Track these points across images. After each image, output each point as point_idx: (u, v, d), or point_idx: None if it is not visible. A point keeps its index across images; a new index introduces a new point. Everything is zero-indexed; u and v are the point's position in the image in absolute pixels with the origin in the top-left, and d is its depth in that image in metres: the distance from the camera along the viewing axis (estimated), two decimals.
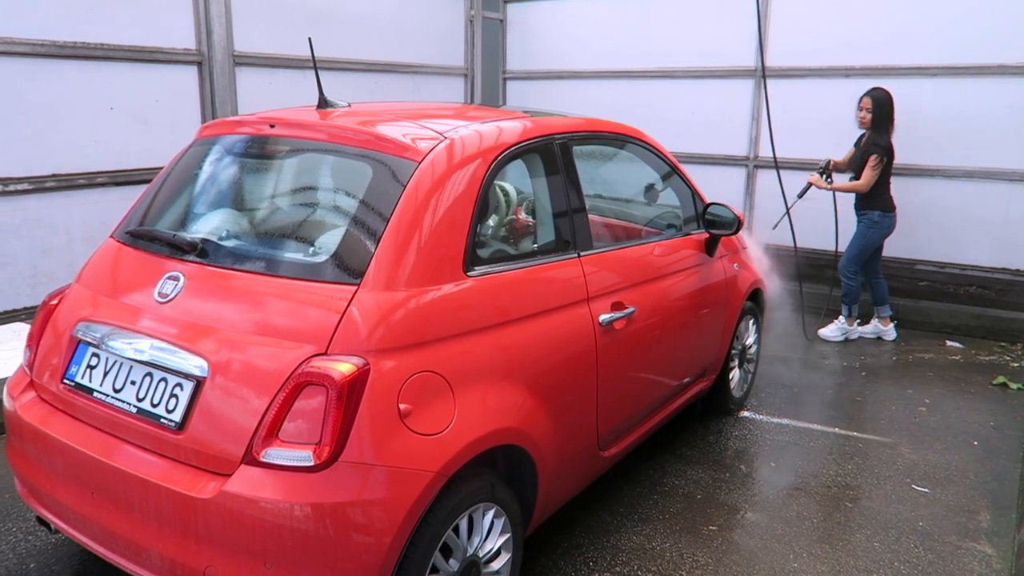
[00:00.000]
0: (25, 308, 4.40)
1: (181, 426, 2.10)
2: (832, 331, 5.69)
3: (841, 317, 5.68)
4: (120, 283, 2.51)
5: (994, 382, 4.90)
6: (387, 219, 2.22)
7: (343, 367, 1.99)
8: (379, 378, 2.03)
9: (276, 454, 1.97)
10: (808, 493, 3.53)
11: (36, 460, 2.43)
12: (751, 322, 4.39)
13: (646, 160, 3.58)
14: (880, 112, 5.25)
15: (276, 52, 5.52)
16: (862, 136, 5.45)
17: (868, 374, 5.03)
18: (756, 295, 4.37)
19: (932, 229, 6.04)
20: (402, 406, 2.06)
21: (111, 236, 2.78)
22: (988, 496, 3.51)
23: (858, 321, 5.72)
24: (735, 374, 4.29)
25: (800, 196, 5.54)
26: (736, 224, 3.60)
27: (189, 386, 2.12)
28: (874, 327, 5.73)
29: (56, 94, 4.38)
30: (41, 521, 2.71)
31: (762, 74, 6.35)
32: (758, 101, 6.62)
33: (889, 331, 5.72)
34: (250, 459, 1.99)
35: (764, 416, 4.37)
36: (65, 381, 2.39)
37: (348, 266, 2.17)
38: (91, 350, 2.38)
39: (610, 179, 3.63)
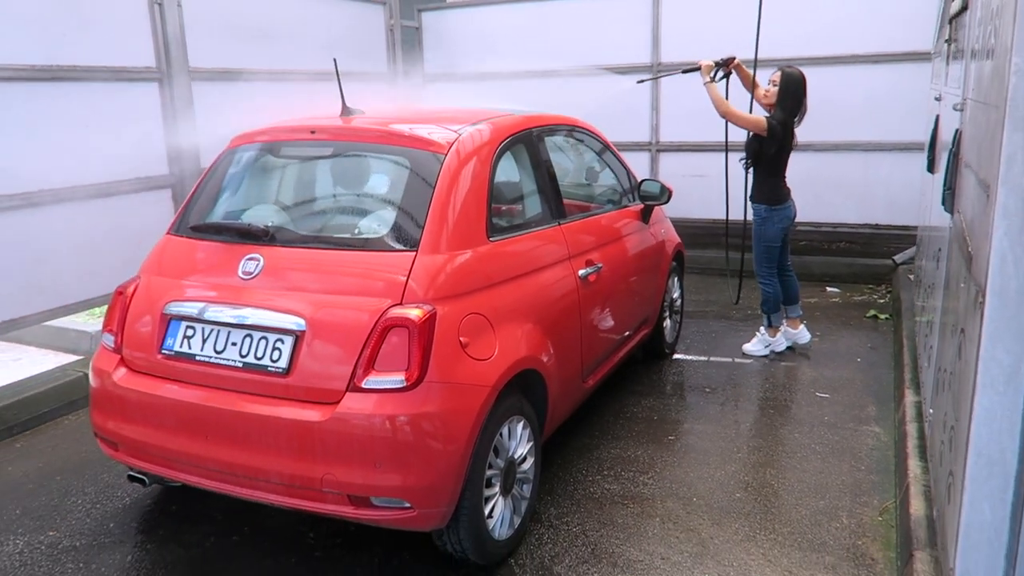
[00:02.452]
0: (23, 317, 4.67)
1: (287, 371, 2.66)
2: (755, 346, 5.18)
3: (762, 328, 5.21)
4: (199, 269, 3.02)
5: (867, 315, 6.00)
6: (429, 199, 2.85)
7: (417, 312, 2.62)
8: (443, 319, 2.67)
9: (375, 381, 2.57)
10: (738, 407, 4.40)
11: (141, 421, 2.91)
12: (676, 279, 5.24)
13: (591, 145, 4.34)
14: (788, 89, 4.70)
15: (227, 66, 5.92)
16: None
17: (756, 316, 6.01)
18: (679, 257, 5.22)
19: (808, 196, 7.06)
20: (462, 339, 2.71)
21: (168, 233, 3.27)
22: (872, 395, 4.49)
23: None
24: (667, 323, 5.13)
25: (684, 71, 5.30)
26: (667, 195, 4.41)
27: (289, 340, 2.69)
28: (783, 334, 5.19)
29: (36, 114, 4.66)
30: (134, 478, 3.19)
31: (657, 69, 7.27)
32: (655, 93, 7.55)
33: (801, 333, 5.19)
34: (354, 387, 2.58)
35: (692, 356, 5.24)
36: (163, 351, 2.89)
37: (405, 238, 2.80)
38: (184, 324, 2.89)
39: (565, 162, 4.35)
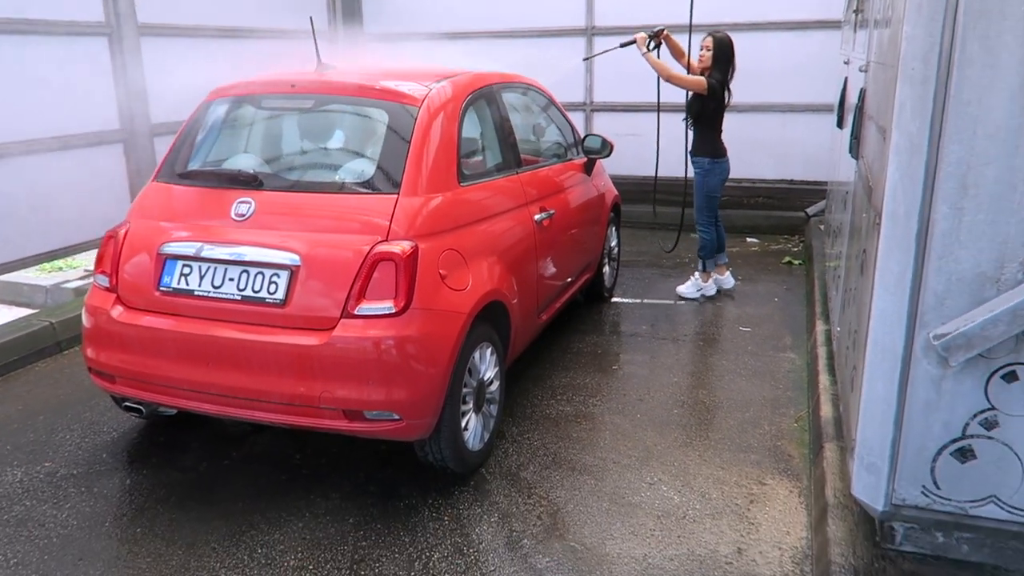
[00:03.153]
0: None
1: (284, 302, 2.95)
2: (688, 289, 5.64)
3: (696, 273, 5.66)
4: (190, 212, 3.25)
5: (783, 262, 6.61)
6: (407, 148, 3.16)
7: (403, 246, 2.94)
8: (424, 253, 3.00)
9: (367, 308, 2.89)
10: (672, 340, 4.89)
11: (140, 353, 3.14)
12: (614, 229, 5.67)
13: (540, 103, 4.68)
14: (720, 53, 5.18)
15: (175, 23, 5.97)
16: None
17: (688, 265, 6.54)
18: (617, 208, 5.66)
19: (730, 154, 7.65)
20: (441, 271, 3.06)
21: (153, 180, 3.47)
22: (788, 328, 5.05)
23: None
24: (606, 269, 5.57)
25: (622, 46, 5.62)
26: (608, 149, 4.81)
27: (285, 274, 2.97)
28: (713, 280, 5.67)
29: None
30: (130, 408, 3.43)
31: (591, 33, 7.64)
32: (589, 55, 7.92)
33: (726, 279, 5.73)
34: (347, 314, 2.90)
35: (629, 299, 5.71)
36: (161, 289, 3.12)
37: (387, 182, 3.10)
38: (181, 263, 3.12)
39: (518, 117, 4.67)
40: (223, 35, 6.47)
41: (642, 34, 5.38)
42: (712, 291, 5.68)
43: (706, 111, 5.23)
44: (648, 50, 5.33)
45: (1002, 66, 1.94)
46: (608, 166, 5.56)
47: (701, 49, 5.30)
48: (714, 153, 5.34)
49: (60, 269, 6.12)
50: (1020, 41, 1.92)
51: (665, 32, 5.41)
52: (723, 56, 5.19)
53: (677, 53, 5.52)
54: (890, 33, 2.39)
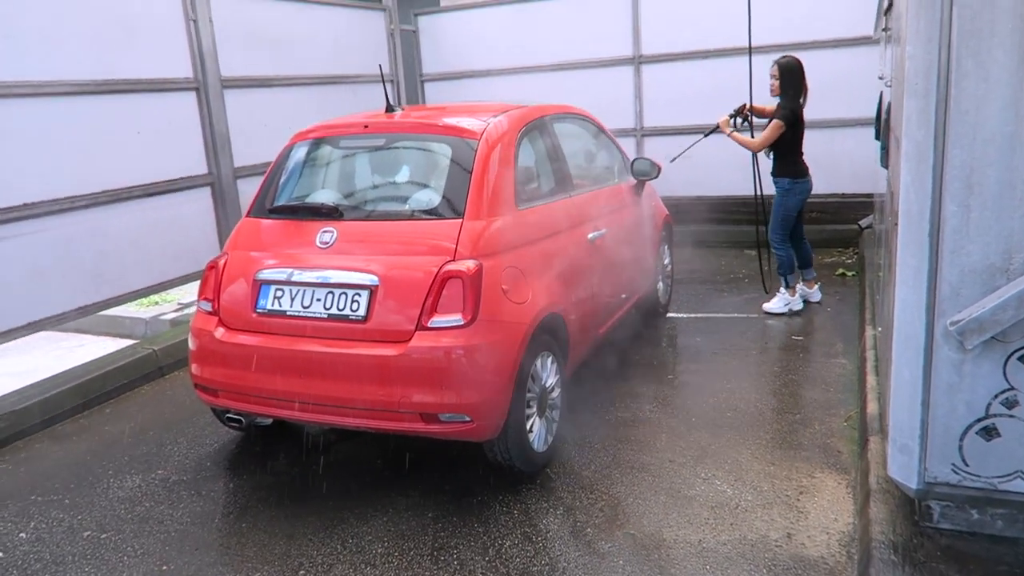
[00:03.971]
0: (94, 304, 5.28)
1: (365, 319, 3.32)
2: (775, 305, 5.73)
3: (782, 288, 5.73)
4: (280, 242, 3.67)
5: (836, 273, 6.73)
6: (469, 175, 3.52)
7: (469, 264, 3.29)
8: (488, 270, 3.34)
9: (439, 321, 3.24)
10: (727, 351, 5.10)
11: (240, 369, 3.55)
12: (666, 247, 5.93)
13: (590, 130, 5.01)
14: (787, 79, 5.35)
15: (252, 74, 6.55)
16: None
17: (751, 280, 6.72)
18: (668, 227, 5.92)
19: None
20: (504, 286, 3.39)
21: (247, 215, 3.91)
22: (840, 336, 5.21)
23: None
24: (660, 285, 5.82)
25: (706, 135, 6.00)
26: (657, 171, 5.10)
27: (366, 294, 3.35)
28: (800, 293, 5.78)
29: (99, 123, 5.27)
30: (232, 419, 3.85)
31: (639, 61, 7.97)
32: (638, 83, 8.24)
33: (814, 293, 5.85)
34: (421, 327, 3.25)
35: (683, 314, 5.94)
36: (258, 311, 3.53)
37: (452, 209, 3.46)
38: (274, 287, 3.53)
39: (569, 144, 5.00)
40: (295, 84, 7.03)
41: (724, 117, 5.64)
42: (799, 305, 5.75)
43: (783, 139, 5.40)
44: (734, 129, 5.60)
45: (994, 79, 2.18)
46: (662, 188, 5.85)
47: (770, 78, 5.46)
48: (795, 174, 5.50)
49: (156, 303, 6.69)
50: (1009, 56, 2.16)
51: (747, 105, 5.62)
52: (790, 81, 5.36)
53: (768, 112, 5.65)
54: (899, 51, 2.64)
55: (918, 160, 2.32)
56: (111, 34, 5.35)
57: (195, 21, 5.95)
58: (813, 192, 7.51)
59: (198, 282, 6.33)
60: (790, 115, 5.34)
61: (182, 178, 5.94)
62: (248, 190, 6.45)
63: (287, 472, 3.82)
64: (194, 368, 3.73)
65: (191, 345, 3.76)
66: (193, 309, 6.34)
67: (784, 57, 5.49)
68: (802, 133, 5.50)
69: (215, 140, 6.18)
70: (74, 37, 5.10)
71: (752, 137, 5.57)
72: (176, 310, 6.41)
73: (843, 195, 7.76)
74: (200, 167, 6.12)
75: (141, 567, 3.12)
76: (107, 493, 3.72)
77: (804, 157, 5.57)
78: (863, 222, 7.52)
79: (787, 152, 5.48)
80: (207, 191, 6.18)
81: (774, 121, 5.40)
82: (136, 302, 6.35)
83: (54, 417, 4.54)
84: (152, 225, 5.69)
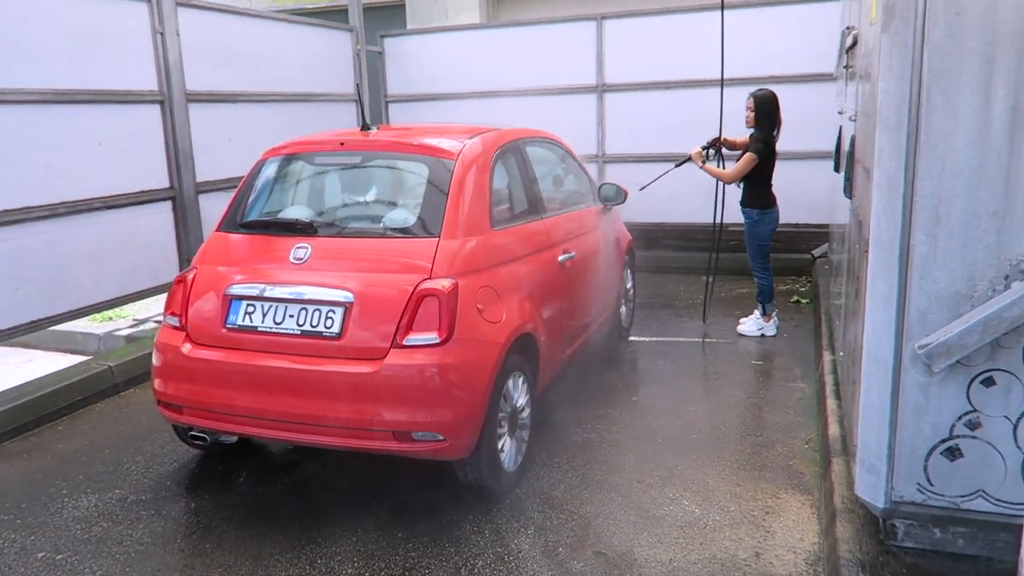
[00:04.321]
0: (47, 318, 5.12)
1: (340, 336, 3.29)
2: (749, 327, 5.95)
3: (756, 312, 5.96)
4: (252, 257, 3.63)
5: (791, 301, 6.92)
6: (446, 195, 3.54)
7: (445, 283, 3.30)
8: (464, 289, 3.35)
9: (414, 339, 3.23)
10: (689, 374, 5.19)
11: (208, 385, 3.48)
12: (629, 271, 6.02)
13: (559, 154, 5.09)
14: (762, 111, 5.52)
15: (217, 89, 6.48)
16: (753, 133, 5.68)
17: (710, 306, 6.85)
18: (631, 252, 6.01)
19: (738, 199, 8.05)
20: (479, 306, 3.40)
21: (216, 230, 3.86)
22: (798, 361, 5.35)
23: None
24: (623, 309, 5.90)
25: (677, 165, 6.11)
26: (624, 196, 5.19)
27: (340, 311, 3.32)
28: (773, 322, 5.94)
29: (60, 133, 5.15)
30: (196, 438, 3.76)
31: (602, 89, 8.13)
32: (601, 111, 8.40)
33: (769, 327, 5.92)
34: (396, 345, 3.23)
35: (645, 337, 6.03)
36: (228, 326, 3.48)
37: (428, 228, 3.48)
38: (245, 303, 3.48)
39: (540, 168, 5.07)
40: (261, 100, 6.98)
41: (696, 149, 5.79)
42: (772, 331, 5.91)
43: (755, 170, 5.58)
44: (706, 161, 5.76)
45: (961, 115, 2.30)
46: (621, 213, 5.93)
47: (746, 109, 5.62)
48: (764, 205, 5.67)
49: (110, 319, 6.51)
50: (976, 94, 2.28)
51: (720, 138, 5.79)
52: (764, 113, 5.53)
53: (740, 144, 5.82)
54: (870, 88, 2.76)
55: (889, 190, 2.42)
56: (76, 44, 5.25)
57: (162, 34, 5.88)
58: None
59: (156, 298, 6.26)
60: (764, 148, 5.51)
61: (143, 191, 5.82)
62: (210, 206, 6.36)
63: (251, 492, 3.74)
64: (158, 384, 3.64)
65: (155, 361, 3.67)
66: (149, 325, 6.21)
67: (760, 90, 5.65)
68: (773, 165, 5.67)
69: (178, 154, 6.08)
70: (38, 46, 4.99)
71: (722, 168, 5.71)
72: (132, 326, 6.25)
73: (797, 225, 7.98)
74: (162, 181, 6.01)
75: None
76: (61, 513, 3.59)
77: (774, 188, 5.74)
78: (816, 251, 7.75)
79: (758, 184, 5.64)
80: (168, 205, 6.07)
81: (748, 154, 5.54)
82: (89, 317, 6.17)
83: (3, 435, 4.37)
84: (111, 239, 5.56)
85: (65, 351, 6.14)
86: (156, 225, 5.96)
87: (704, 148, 5.80)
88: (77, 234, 5.30)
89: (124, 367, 5.17)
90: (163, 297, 6.27)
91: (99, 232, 5.46)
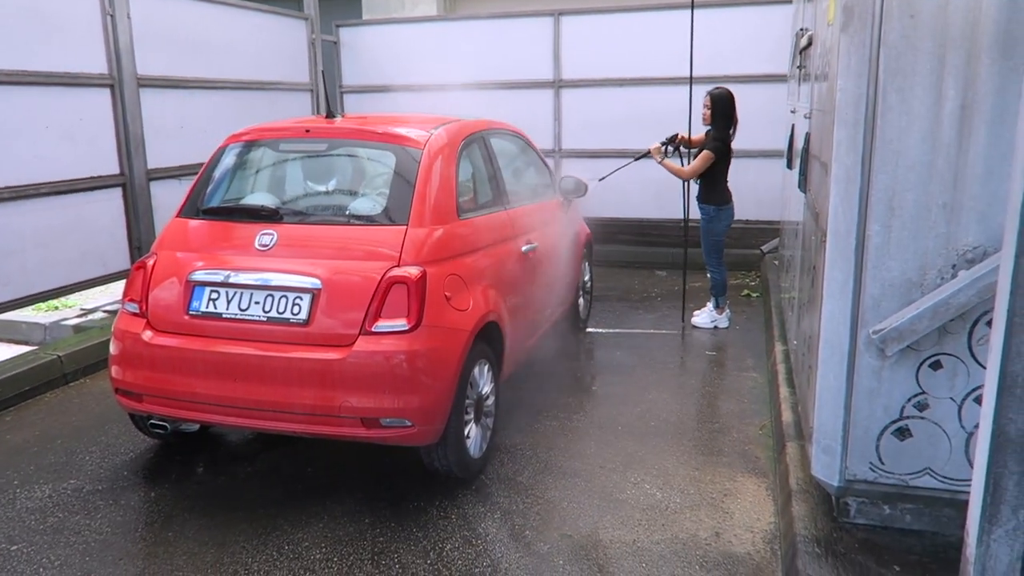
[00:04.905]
0: None
1: (307, 322, 3.29)
2: (703, 319, 6.11)
3: (709, 305, 6.14)
4: (215, 243, 3.58)
5: (742, 294, 7.12)
6: (413, 184, 3.56)
7: (413, 270, 3.32)
8: (432, 277, 3.38)
9: (383, 326, 3.25)
10: (645, 364, 5.31)
11: (169, 372, 3.43)
12: (587, 264, 6.11)
13: (522, 147, 5.14)
14: (719, 109, 5.65)
15: (170, 75, 6.34)
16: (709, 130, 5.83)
17: (663, 299, 7.01)
18: (589, 245, 6.11)
19: (690, 195, 8.22)
20: (446, 293, 3.43)
21: (176, 216, 3.80)
22: (750, 351, 5.52)
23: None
24: (581, 301, 5.99)
25: (636, 159, 6.30)
26: (584, 189, 5.28)
27: (307, 297, 3.32)
28: (726, 314, 6.12)
29: (5, 116, 4.98)
30: (155, 426, 3.71)
31: (559, 85, 8.22)
32: (557, 105, 8.48)
33: (722, 319, 6.10)
34: (365, 332, 3.25)
35: (603, 328, 6.14)
36: (190, 313, 3.44)
37: (396, 215, 3.49)
38: (208, 289, 3.45)
39: (503, 160, 5.11)
40: (214, 87, 6.86)
41: (656, 144, 5.90)
42: (725, 323, 6.09)
43: (712, 168, 5.71)
44: (665, 157, 5.89)
45: (915, 113, 2.43)
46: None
47: (703, 107, 5.76)
48: (720, 201, 5.81)
49: (56, 308, 6.32)
50: (928, 93, 2.41)
51: (680, 135, 5.94)
52: (720, 111, 5.67)
53: (697, 144, 5.97)
54: (828, 86, 2.89)
55: (847, 183, 2.54)
56: (23, 24, 5.09)
57: (112, 16, 5.73)
58: None
59: (104, 287, 6.10)
60: (720, 146, 5.67)
61: (92, 177, 5.67)
62: (161, 193, 6.23)
63: (212, 481, 3.71)
64: (116, 372, 3.58)
65: (113, 348, 3.60)
66: (98, 315, 6.05)
67: (717, 88, 5.78)
68: (729, 162, 5.83)
69: (129, 140, 5.94)
70: None
71: (682, 165, 5.88)
72: (79, 315, 6.08)
73: (747, 221, 8.19)
74: (112, 167, 5.86)
75: None
76: (13, 504, 3.50)
77: (729, 185, 5.90)
78: (765, 247, 7.98)
79: (714, 181, 5.79)
80: (118, 192, 5.92)
81: (704, 152, 5.69)
82: (34, 307, 5.98)
83: None
84: (59, 225, 5.41)
85: (8, 341, 5.94)
86: (106, 212, 5.82)
87: (663, 144, 5.92)
88: (22, 220, 5.14)
89: (73, 356, 5.04)
90: (112, 286, 6.18)
91: (46, 218, 5.30)
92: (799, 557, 2.69)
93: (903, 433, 2.67)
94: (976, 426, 2.57)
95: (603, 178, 6.19)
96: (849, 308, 2.62)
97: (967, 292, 2.45)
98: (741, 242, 8.23)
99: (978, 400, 2.57)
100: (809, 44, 3.92)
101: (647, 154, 5.98)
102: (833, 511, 2.93)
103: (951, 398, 2.61)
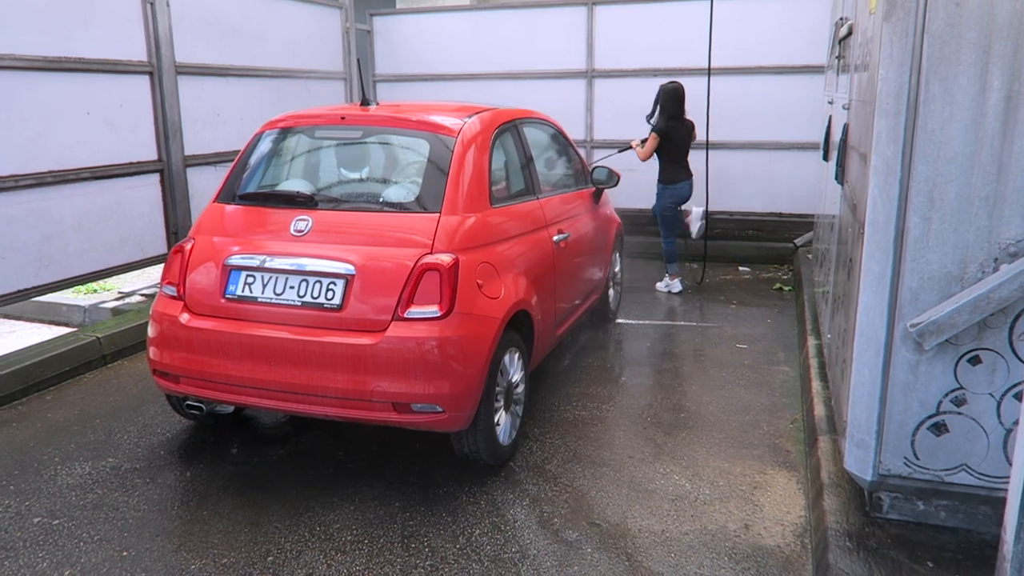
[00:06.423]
0: (34, 287, 5.08)
1: (341, 307, 3.33)
2: (660, 285, 7.01)
3: (667, 275, 6.97)
4: (252, 229, 3.64)
5: (773, 288, 7.05)
6: (447, 172, 3.58)
7: (446, 258, 3.34)
8: (464, 264, 3.40)
9: (416, 312, 3.28)
10: (674, 356, 5.29)
11: (206, 354, 3.49)
12: (618, 255, 6.10)
13: (554, 136, 5.13)
14: (658, 100, 6.64)
15: (207, 62, 6.43)
16: None
17: (693, 291, 6.97)
18: (620, 236, 6.09)
19: (723, 187, 8.13)
20: (478, 281, 3.45)
21: (214, 201, 3.86)
22: (781, 345, 5.47)
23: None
24: (612, 292, 5.97)
25: (620, 151, 7.28)
26: (616, 180, 5.26)
27: (341, 283, 3.36)
28: (678, 280, 6.91)
29: (48, 102, 5.09)
30: (191, 407, 3.78)
31: (591, 75, 8.17)
32: (590, 96, 8.45)
33: (675, 284, 6.89)
34: (398, 318, 3.28)
35: (633, 320, 6.12)
36: (227, 297, 3.49)
37: (430, 203, 3.51)
38: (244, 274, 3.50)
39: (535, 149, 5.11)
40: (250, 75, 6.93)
41: (636, 140, 6.92)
42: (678, 288, 6.90)
43: (660, 149, 6.65)
44: (638, 146, 6.87)
45: (958, 103, 2.39)
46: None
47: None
48: (666, 180, 6.71)
49: (94, 291, 6.46)
50: (971, 83, 2.37)
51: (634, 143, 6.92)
52: (661, 101, 6.60)
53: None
54: (868, 76, 2.84)
55: (886, 174, 2.51)
56: (66, 12, 5.19)
57: (152, 4, 5.82)
58: (752, 211, 8.11)
59: (141, 271, 6.22)
60: (662, 128, 6.56)
61: (131, 163, 5.78)
62: (198, 179, 6.33)
63: (246, 462, 3.77)
64: (154, 353, 3.65)
65: (151, 331, 3.67)
66: (136, 298, 6.18)
67: (671, 82, 6.66)
68: (679, 148, 6.62)
69: (167, 126, 6.04)
70: (26, 12, 4.92)
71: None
72: (117, 299, 6.20)
73: (780, 215, 8.13)
74: (150, 153, 5.96)
75: (99, 553, 3.04)
76: (55, 480, 3.60)
77: (684, 167, 6.71)
78: (799, 240, 7.89)
79: (663, 161, 6.69)
80: (156, 178, 6.02)
81: (652, 135, 6.61)
82: (73, 289, 6.12)
83: None
84: (98, 210, 5.52)
85: (49, 323, 6.09)
86: (144, 197, 5.92)
87: (643, 142, 6.77)
88: (64, 204, 5.25)
89: (112, 339, 5.15)
90: (150, 270, 6.30)
91: (86, 202, 5.42)
92: (830, 551, 2.67)
93: (939, 428, 2.63)
94: (1015, 423, 2.53)
95: (617, 151, 7.20)
96: (886, 301, 2.59)
97: (1009, 286, 2.40)
98: (775, 235, 8.16)
99: (1018, 396, 2.53)
100: (849, 33, 3.86)
101: (629, 148, 6.95)
102: (865, 506, 2.90)
103: (990, 394, 2.57)
